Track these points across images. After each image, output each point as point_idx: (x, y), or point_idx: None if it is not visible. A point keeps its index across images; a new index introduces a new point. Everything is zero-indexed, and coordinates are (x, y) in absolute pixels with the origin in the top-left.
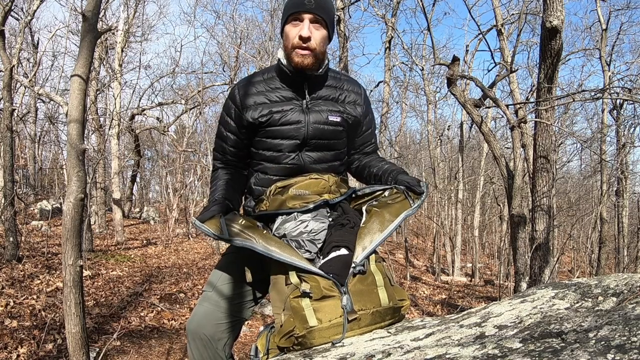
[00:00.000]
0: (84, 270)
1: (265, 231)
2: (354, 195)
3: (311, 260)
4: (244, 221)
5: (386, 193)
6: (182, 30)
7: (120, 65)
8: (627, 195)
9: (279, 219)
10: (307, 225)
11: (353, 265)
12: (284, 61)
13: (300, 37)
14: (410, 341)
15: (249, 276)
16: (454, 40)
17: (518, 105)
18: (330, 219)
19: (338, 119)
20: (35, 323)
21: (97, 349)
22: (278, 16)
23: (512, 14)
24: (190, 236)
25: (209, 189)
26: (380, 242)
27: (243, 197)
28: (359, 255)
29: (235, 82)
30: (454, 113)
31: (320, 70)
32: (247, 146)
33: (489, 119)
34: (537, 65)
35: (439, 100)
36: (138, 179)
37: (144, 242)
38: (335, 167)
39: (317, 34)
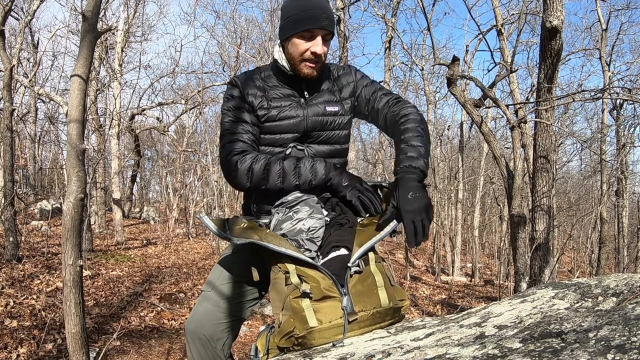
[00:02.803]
0: (84, 270)
1: (267, 230)
2: None
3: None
4: (245, 224)
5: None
6: (182, 30)
7: (120, 65)
8: (627, 195)
9: (275, 217)
10: (304, 224)
11: (349, 266)
12: (283, 63)
13: (314, 54)
14: (410, 341)
15: (255, 275)
16: (454, 40)
17: (518, 105)
18: (327, 219)
19: (336, 108)
20: (35, 323)
21: (97, 349)
22: (278, 16)
23: (512, 14)
24: (190, 236)
25: (266, 173)
26: (372, 245)
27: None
28: (353, 256)
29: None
30: (454, 113)
31: None
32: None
33: (489, 119)
34: (537, 65)
35: (439, 100)
36: (138, 179)
37: (144, 242)
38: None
39: (326, 48)
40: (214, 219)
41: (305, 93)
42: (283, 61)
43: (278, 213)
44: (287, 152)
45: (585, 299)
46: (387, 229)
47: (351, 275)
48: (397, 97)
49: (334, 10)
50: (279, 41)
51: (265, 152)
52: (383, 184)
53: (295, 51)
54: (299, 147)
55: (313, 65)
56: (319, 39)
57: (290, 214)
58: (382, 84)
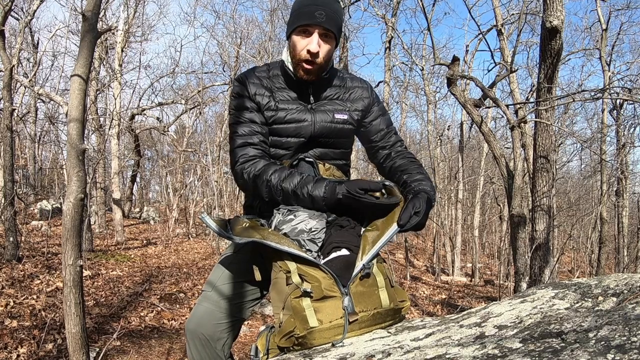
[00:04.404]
0: (84, 270)
1: (269, 229)
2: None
3: None
4: (247, 223)
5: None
6: (182, 30)
7: (120, 65)
8: (627, 195)
9: (276, 217)
10: (306, 224)
11: (361, 267)
12: (289, 65)
13: (309, 52)
14: (410, 341)
15: (257, 274)
16: (454, 40)
17: (518, 105)
18: (328, 218)
19: (345, 117)
20: (35, 323)
21: (97, 349)
22: (278, 16)
23: (512, 14)
24: (190, 236)
25: (267, 180)
26: (384, 244)
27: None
28: (364, 258)
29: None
30: (454, 113)
31: (324, 74)
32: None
33: (489, 119)
34: (537, 65)
35: (439, 100)
36: (138, 179)
37: (144, 242)
38: (339, 166)
39: (324, 48)
40: (216, 218)
41: (311, 98)
42: (289, 63)
43: (279, 213)
44: (294, 163)
45: (585, 299)
46: (391, 231)
47: (361, 279)
48: (403, 141)
49: None
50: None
51: (271, 154)
52: (385, 182)
53: (294, 51)
54: (307, 159)
55: (309, 67)
56: (314, 36)
57: (291, 215)
58: (382, 84)
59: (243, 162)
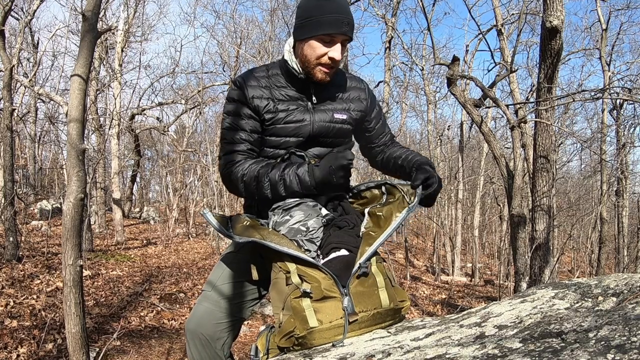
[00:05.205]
0: (84, 270)
1: (270, 229)
2: (352, 195)
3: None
4: (247, 222)
5: (384, 199)
6: (182, 30)
7: (120, 65)
8: (627, 195)
9: (272, 219)
10: (304, 224)
11: (358, 266)
12: (294, 65)
13: (332, 59)
14: (410, 341)
15: (255, 274)
16: (454, 40)
17: (518, 105)
18: (324, 220)
19: (344, 117)
20: (35, 323)
21: (97, 349)
22: (278, 16)
23: (512, 14)
24: (190, 236)
25: (254, 176)
26: (382, 243)
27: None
28: (362, 257)
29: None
30: (454, 113)
31: None
32: (261, 137)
33: (489, 119)
34: (537, 65)
35: (439, 100)
36: (138, 179)
37: (144, 242)
38: None
39: (343, 54)
40: (217, 215)
41: (313, 98)
42: (294, 63)
43: (274, 215)
44: (285, 157)
45: (585, 299)
46: (394, 224)
47: (358, 277)
48: (394, 136)
49: None
50: (290, 40)
51: (269, 154)
52: (387, 182)
53: (312, 54)
54: (298, 152)
55: (327, 71)
56: (338, 45)
57: (287, 216)
58: (382, 84)
59: (230, 166)
